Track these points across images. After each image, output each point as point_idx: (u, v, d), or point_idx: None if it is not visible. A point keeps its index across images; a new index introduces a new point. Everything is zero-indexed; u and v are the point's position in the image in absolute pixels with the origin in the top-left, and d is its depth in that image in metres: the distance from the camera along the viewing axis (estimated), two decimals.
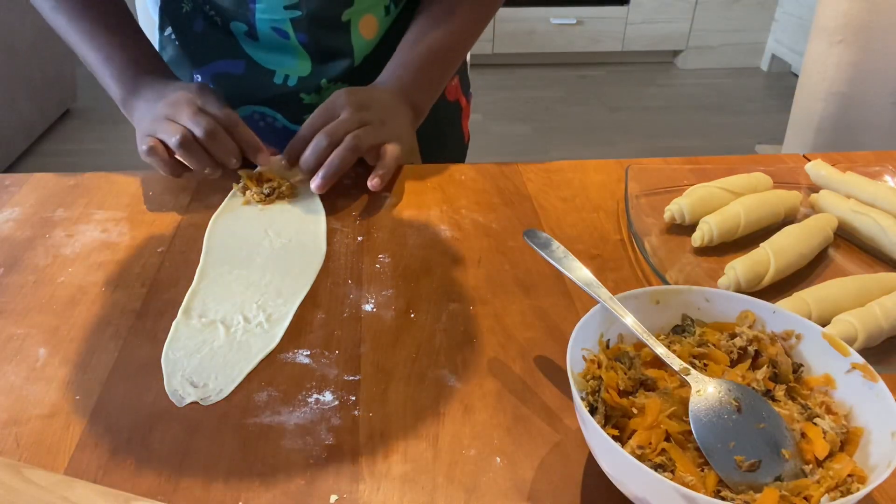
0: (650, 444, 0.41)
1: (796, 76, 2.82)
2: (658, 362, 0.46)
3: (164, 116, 0.70)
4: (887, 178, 0.76)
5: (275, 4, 0.77)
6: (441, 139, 0.94)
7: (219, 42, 0.82)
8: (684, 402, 0.43)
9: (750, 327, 0.48)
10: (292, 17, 0.78)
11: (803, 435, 0.42)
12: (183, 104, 0.70)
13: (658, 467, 0.40)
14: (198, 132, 0.68)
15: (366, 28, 0.81)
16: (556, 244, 0.54)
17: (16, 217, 0.70)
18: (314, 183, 0.70)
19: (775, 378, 0.46)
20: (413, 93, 0.79)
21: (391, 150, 0.72)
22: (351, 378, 0.52)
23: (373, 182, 0.69)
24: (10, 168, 2.61)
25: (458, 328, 0.57)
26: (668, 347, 0.46)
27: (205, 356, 0.53)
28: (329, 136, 0.70)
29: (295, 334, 0.56)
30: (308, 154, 0.70)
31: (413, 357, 0.54)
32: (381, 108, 0.74)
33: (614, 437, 0.40)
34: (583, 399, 0.42)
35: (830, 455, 0.41)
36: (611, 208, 0.73)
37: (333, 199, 0.73)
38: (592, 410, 0.43)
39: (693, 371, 0.44)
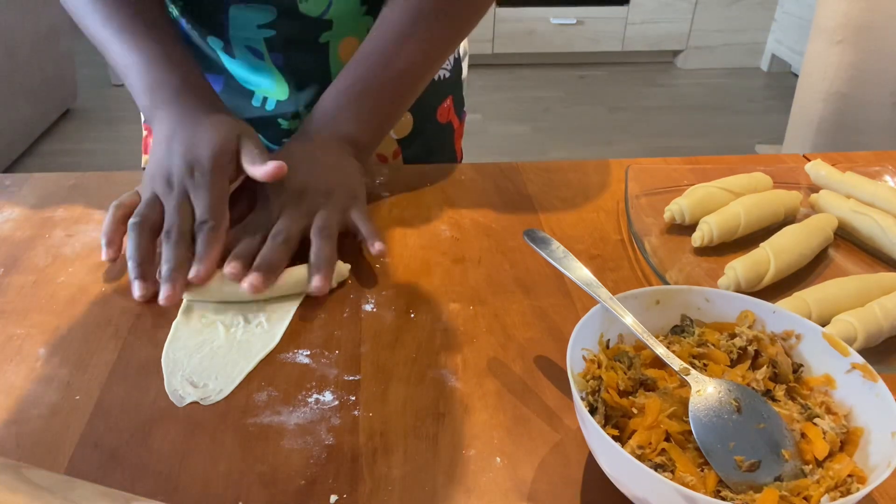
0: (650, 444, 0.41)
1: (796, 76, 2.82)
2: (658, 362, 0.46)
3: (156, 188, 0.62)
4: (887, 178, 0.76)
5: (247, 22, 0.74)
6: (432, 161, 0.92)
7: (200, 54, 0.81)
8: (684, 402, 0.43)
9: (750, 327, 0.48)
10: (266, 36, 0.75)
11: (803, 435, 0.42)
12: (175, 189, 0.61)
13: (658, 467, 0.40)
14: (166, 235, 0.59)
15: (346, 51, 0.77)
16: (556, 244, 0.54)
17: (16, 217, 0.70)
18: (314, 283, 0.58)
19: (775, 378, 0.46)
20: (352, 130, 0.69)
21: (356, 215, 0.64)
22: (351, 378, 0.52)
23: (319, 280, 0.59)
24: (10, 168, 2.61)
25: (458, 328, 0.57)
26: (668, 347, 0.46)
27: (205, 356, 0.53)
28: (285, 236, 0.60)
29: (295, 334, 0.56)
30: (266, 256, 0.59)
31: (413, 357, 0.54)
32: (318, 183, 0.64)
33: (614, 437, 0.40)
34: (583, 399, 0.42)
35: (830, 455, 0.41)
36: (611, 208, 0.73)
37: None
38: (592, 410, 0.43)
39: (693, 371, 0.44)
